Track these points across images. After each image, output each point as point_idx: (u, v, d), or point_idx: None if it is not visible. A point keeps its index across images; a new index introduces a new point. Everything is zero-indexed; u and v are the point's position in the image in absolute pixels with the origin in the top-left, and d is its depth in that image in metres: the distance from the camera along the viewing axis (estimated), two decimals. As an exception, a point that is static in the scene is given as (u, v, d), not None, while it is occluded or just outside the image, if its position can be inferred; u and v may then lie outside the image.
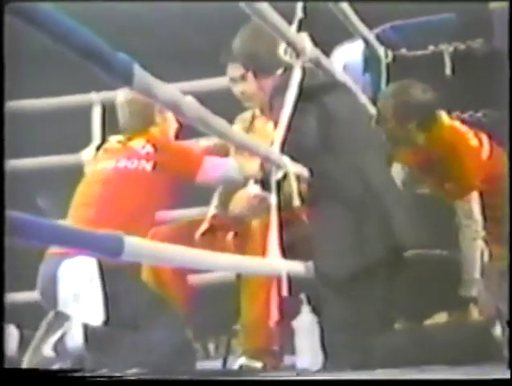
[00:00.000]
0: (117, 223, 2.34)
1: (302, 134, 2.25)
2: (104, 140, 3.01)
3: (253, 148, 1.85)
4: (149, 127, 2.63)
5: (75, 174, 3.01)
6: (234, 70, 2.69)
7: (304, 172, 2.10)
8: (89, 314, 2.23)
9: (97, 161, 2.68)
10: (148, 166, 2.50)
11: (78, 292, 2.27)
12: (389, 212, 2.37)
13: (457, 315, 2.79)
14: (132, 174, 2.52)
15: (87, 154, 3.01)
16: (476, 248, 2.70)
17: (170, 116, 2.70)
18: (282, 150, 2.05)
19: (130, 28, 4.24)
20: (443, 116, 2.88)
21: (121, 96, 2.69)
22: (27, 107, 3.15)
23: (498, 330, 2.41)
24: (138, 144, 2.57)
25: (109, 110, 3.09)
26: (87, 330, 2.20)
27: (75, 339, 2.18)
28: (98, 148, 2.99)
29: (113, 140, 2.70)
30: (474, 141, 2.83)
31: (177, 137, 2.76)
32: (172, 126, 2.72)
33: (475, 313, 2.70)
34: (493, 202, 2.72)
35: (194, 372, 2.36)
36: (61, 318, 2.21)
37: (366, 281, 2.29)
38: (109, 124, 3.08)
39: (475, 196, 2.72)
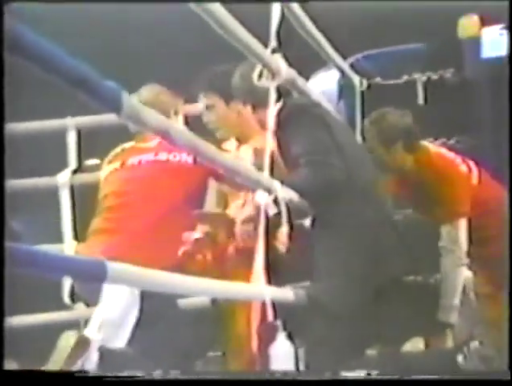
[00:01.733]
0: (156, 213, 2.37)
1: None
2: (80, 164, 3.01)
3: (243, 173, 1.86)
4: None
5: (51, 197, 3.00)
6: (205, 100, 2.71)
7: (295, 197, 2.12)
8: (115, 336, 2.22)
9: (123, 158, 2.58)
10: (189, 159, 2.47)
11: (113, 317, 2.24)
12: (400, 236, 2.38)
13: (432, 341, 2.82)
14: (174, 167, 2.47)
15: (63, 177, 2.99)
16: (458, 275, 2.73)
17: (181, 119, 2.67)
18: (272, 174, 2.07)
19: (129, 30, 4.23)
20: (428, 144, 2.94)
21: (142, 96, 2.61)
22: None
23: (466, 358, 2.44)
24: None
25: (85, 134, 3.09)
26: (102, 353, 2.18)
27: (91, 363, 2.15)
28: (75, 172, 2.98)
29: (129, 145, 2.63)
30: (463, 168, 2.88)
31: None
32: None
33: (450, 339, 2.72)
34: (481, 223, 2.76)
35: (193, 373, 2.36)
36: (84, 343, 2.17)
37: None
38: (86, 148, 3.08)
39: (463, 223, 2.76)
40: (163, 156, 2.49)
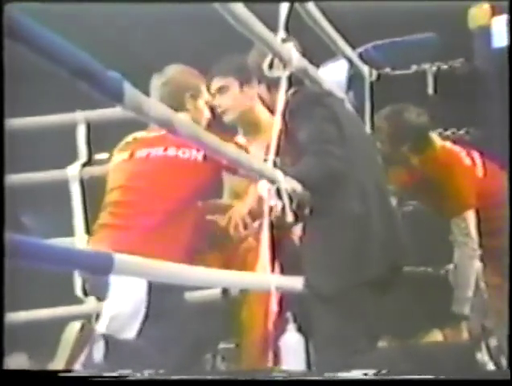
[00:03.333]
0: (164, 211, 2.35)
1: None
2: (90, 157, 3.02)
3: (246, 164, 1.86)
4: (178, 112, 2.45)
5: (60, 190, 3.00)
6: (220, 80, 2.71)
7: (298, 187, 2.11)
8: (124, 328, 2.22)
9: (132, 148, 2.56)
10: (199, 156, 2.43)
11: (122, 309, 2.24)
12: (391, 230, 2.38)
13: (449, 333, 2.81)
14: (184, 164, 2.43)
15: (73, 170, 3.00)
16: (471, 267, 2.73)
17: (202, 104, 2.62)
18: (275, 165, 2.07)
19: (131, 28, 4.23)
20: (435, 137, 2.94)
21: (155, 81, 2.61)
22: (13, 125, 3.14)
23: (483, 352, 2.42)
24: None
25: (94, 128, 3.10)
26: (108, 342, 2.18)
27: (99, 352, 2.15)
28: (84, 165, 2.99)
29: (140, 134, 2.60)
30: (467, 161, 2.88)
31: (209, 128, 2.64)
32: (204, 116, 2.63)
33: (465, 331, 2.72)
34: (488, 215, 2.76)
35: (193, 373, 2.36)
36: (88, 332, 2.18)
37: (357, 298, 2.29)
38: (96, 142, 3.09)
39: (471, 215, 2.76)
40: (171, 151, 2.45)
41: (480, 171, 2.88)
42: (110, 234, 2.42)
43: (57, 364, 2.15)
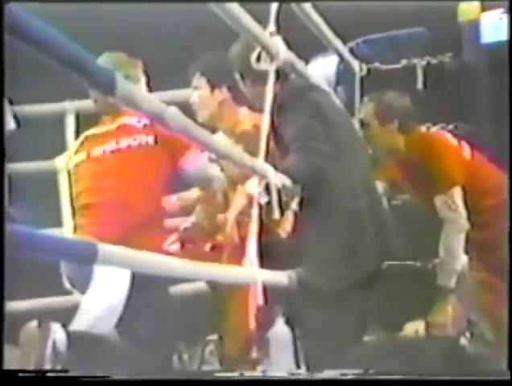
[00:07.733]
0: (133, 204, 2.34)
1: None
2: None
3: (237, 158, 1.86)
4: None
5: (48, 181, 2.99)
6: (194, 80, 2.72)
7: (287, 182, 2.11)
8: (101, 322, 2.21)
9: (87, 148, 2.53)
10: (150, 140, 2.41)
11: (103, 299, 2.22)
12: (381, 225, 2.38)
13: (432, 322, 2.80)
14: (137, 152, 2.41)
15: (61, 161, 2.98)
16: (460, 240, 2.72)
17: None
18: (266, 159, 2.07)
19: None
20: (421, 127, 2.95)
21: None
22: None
23: (467, 343, 2.43)
24: (132, 119, 2.44)
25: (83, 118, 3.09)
26: (70, 336, 2.16)
27: (62, 345, 2.14)
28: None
29: (92, 131, 2.56)
30: (453, 141, 2.89)
31: None
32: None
33: (450, 309, 2.71)
34: (475, 207, 2.75)
35: (189, 373, 2.36)
36: (45, 328, 2.17)
37: (349, 293, 2.30)
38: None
39: (458, 190, 2.75)
40: (123, 143, 2.43)
41: (467, 153, 2.87)
42: (90, 231, 2.40)
43: (27, 365, 2.14)
